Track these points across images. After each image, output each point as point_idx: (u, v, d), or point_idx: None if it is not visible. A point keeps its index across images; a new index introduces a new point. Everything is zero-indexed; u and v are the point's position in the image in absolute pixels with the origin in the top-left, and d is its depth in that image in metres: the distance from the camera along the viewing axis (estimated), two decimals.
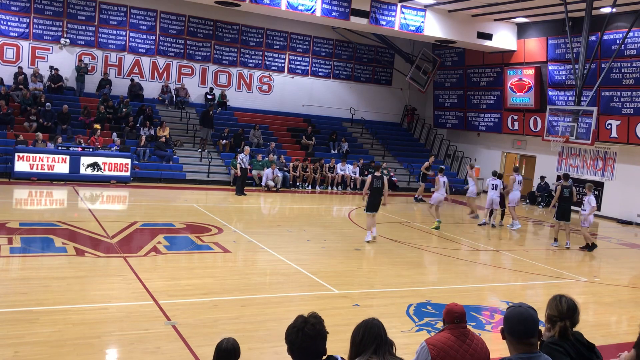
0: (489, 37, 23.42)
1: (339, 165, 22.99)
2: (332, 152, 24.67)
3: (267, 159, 21.61)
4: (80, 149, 18.81)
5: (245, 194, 19.03)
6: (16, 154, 17.77)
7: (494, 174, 17.39)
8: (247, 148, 20.04)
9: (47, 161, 18.17)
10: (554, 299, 3.59)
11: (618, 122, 20.53)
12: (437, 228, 15.49)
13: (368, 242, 12.95)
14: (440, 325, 4.47)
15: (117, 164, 19.08)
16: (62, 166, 18.36)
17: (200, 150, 22.18)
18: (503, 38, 23.86)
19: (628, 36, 19.33)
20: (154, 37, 24.16)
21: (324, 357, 3.17)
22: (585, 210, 14.20)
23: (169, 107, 24.06)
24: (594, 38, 20.02)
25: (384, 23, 21.63)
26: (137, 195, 17.71)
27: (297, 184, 22.27)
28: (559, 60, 22.48)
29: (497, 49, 24.23)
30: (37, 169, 18.02)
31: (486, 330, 7.70)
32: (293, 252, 11.55)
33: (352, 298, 8.69)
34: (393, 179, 23.93)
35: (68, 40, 22.73)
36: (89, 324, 6.80)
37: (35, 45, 22.35)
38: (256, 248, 11.65)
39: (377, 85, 28.70)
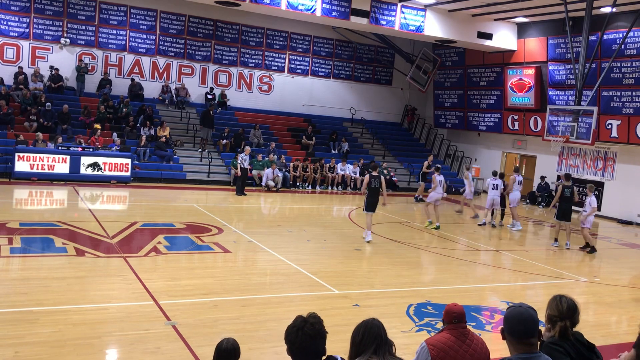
0: (489, 36, 23.42)
1: (339, 165, 22.99)
2: (333, 152, 24.67)
3: (267, 159, 21.61)
4: (80, 149, 18.82)
5: (245, 194, 19.03)
6: (16, 154, 17.77)
7: (494, 173, 17.39)
8: (247, 148, 20.03)
9: (48, 161, 18.17)
10: (554, 299, 3.59)
11: (618, 122, 20.53)
12: (437, 228, 15.49)
13: (368, 241, 12.95)
14: (440, 325, 4.47)
15: (118, 164, 19.09)
16: (62, 166, 18.37)
17: (200, 150, 22.18)
18: (503, 38, 23.86)
19: (628, 36, 19.32)
20: (154, 37, 24.16)
21: (324, 357, 3.17)
22: (586, 211, 14.19)
23: (169, 107, 24.07)
24: (594, 38, 20.02)
25: (384, 23, 21.63)
26: (137, 195, 17.71)
27: (297, 184, 22.27)
28: (559, 60, 22.48)
29: (497, 48, 24.23)
30: (37, 169, 18.02)
31: (486, 331, 7.70)
32: (293, 252, 11.55)
33: (352, 298, 8.69)
34: (393, 179, 23.96)
35: (68, 40, 22.73)
36: (89, 324, 6.81)
37: (35, 45, 22.35)
38: (256, 248, 11.65)
39: (377, 85, 28.70)
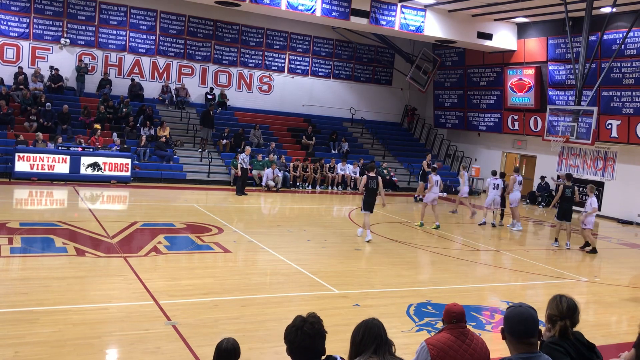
0: (489, 37, 23.43)
1: (339, 165, 22.99)
2: (333, 152, 24.68)
3: (267, 159, 21.61)
4: (80, 149, 18.82)
5: (246, 194, 19.04)
6: (16, 154, 17.78)
7: (494, 173, 17.40)
8: (248, 148, 20.04)
9: (48, 161, 18.17)
10: (554, 298, 3.59)
11: (618, 122, 20.53)
12: (433, 227, 15.52)
13: (368, 241, 12.95)
14: (440, 325, 4.47)
15: (118, 164, 19.09)
16: (62, 166, 18.37)
17: (200, 150, 22.19)
18: (503, 38, 23.87)
19: (628, 36, 19.32)
20: (154, 37, 24.16)
21: (324, 357, 3.17)
22: (587, 211, 14.17)
23: (169, 107, 24.07)
24: (594, 38, 20.02)
25: (384, 23, 21.64)
26: (137, 195, 17.71)
27: (298, 184, 22.27)
28: (559, 60, 22.48)
29: (497, 48, 24.23)
30: (37, 169, 18.02)
31: (486, 330, 7.70)
32: (293, 252, 11.55)
33: (352, 298, 8.69)
34: (393, 179, 23.97)
35: (68, 40, 22.74)
36: (90, 324, 6.81)
37: (35, 45, 22.36)
38: (256, 248, 11.66)
39: (377, 85, 28.71)
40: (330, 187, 22.66)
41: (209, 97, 24.82)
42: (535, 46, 23.53)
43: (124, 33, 23.69)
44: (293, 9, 20.03)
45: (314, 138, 24.75)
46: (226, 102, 25.21)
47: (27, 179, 17.84)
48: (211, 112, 22.55)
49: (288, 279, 9.63)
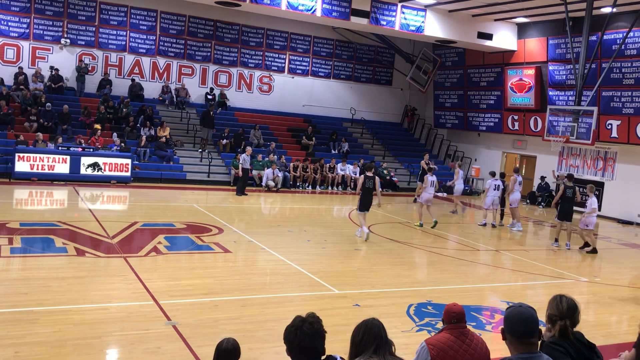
0: (489, 37, 23.42)
1: (339, 166, 23.00)
2: (333, 152, 24.68)
3: (267, 159, 21.61)
4: (80, 149, 18.82)
5: (246, 194, 19.04)
6: (16, 154, 17.78)
7: (493, 174, 17.42)
8: (249, 148, 20.07)
9: (48, 161, 18.17)
10: (554, 298, 3.60)
11: (618, 122, 20.53)
12: (431, 226, 15.55)
13: (366, 239, 13.02)
14: (440, 325, 4.47)
15: (118, 164, 19.09)
16: (62, 166, 18.37)
17: (200, 150, 22.19)
18: (503, 38, 23.86)
19: (628, 36, 19.32)
20: (154, 37, 24.17)
21: (323, 357, 3.17)
22: (587, 211, 14.15)
23: (170, 107, 24.07)
24: (594, 38, 20.02)
25: (384, 23, 21.64)
26: (137, 195, 17.71)
27: (298, 184, 22.27)
28: (560, 60, 22.48)
29: (497, 49, 24.23)
30: (37, 169, 18.03)
31: (486, 330, 7.70)
32: (293, 252, 11.55)
33: (353, 298, 8.69)
34: (393, 179, 23.97)
35: (68, 41, 22.74)
36: (90, 324, 6.81)
37: (35, 45, 22.36)
38: (256, 248, 11.66)
39: (377, 85, 28.71)
40: (330, 188, 22.66)
41: (209, 97, 24.82)
42: (535, 46, 23.53)
43: (124, 33, 23.70)
44: (293, 9, 20.03)
45: (314, 138, 24.75)
46: (226, 102, 25.21)
47: (27, 179, 17.84)
48: (211, 113, 22.56)
49: (288, 279, 9.63)
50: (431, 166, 17.63)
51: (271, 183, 20.81)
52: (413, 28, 22.14)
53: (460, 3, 21.13)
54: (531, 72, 23.46)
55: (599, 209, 19.54)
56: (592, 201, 14.07)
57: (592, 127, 19.51)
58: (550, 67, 22.84)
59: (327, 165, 22.86)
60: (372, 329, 3.35)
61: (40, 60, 22.43)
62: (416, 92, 29.01)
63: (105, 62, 23.54)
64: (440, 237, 14.86)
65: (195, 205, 16.36)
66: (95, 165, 18.79)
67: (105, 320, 6.99)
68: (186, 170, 21.04)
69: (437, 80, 28.43)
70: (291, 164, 22.39)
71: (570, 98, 21.79)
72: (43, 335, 6.38)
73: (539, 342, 3.32)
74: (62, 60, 22.77)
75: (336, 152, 24.72)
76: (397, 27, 21.91)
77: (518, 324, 3.08)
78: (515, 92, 24.25)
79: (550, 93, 22.94)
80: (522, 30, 23.99)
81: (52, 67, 22.29)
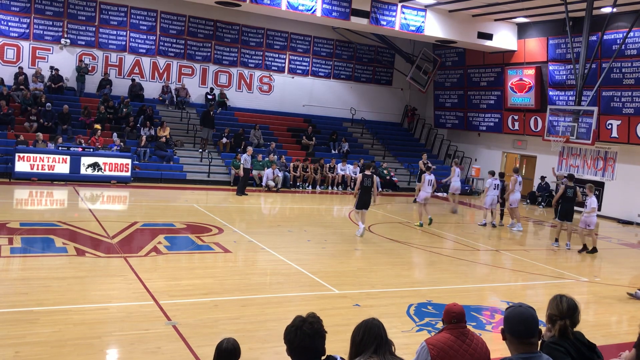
0: (489, 37, 23.42)
1: (339, 166, 23.00)
2: (333, 152, 24.68)
3: (267, 159, 21.61)
4: (80, 149, 18.82)
5: (246, 194, 19.04)
6: (17, 154, 17.78)
7: (492, 173, 17.43)
8: (250, 148, 20.10)
9: (48, 161, 18.17)
10: (554, 298, 3.60)
11: (618, 122, 20.53)
12: (427, 224, 15.64)
13: (360, 234, 13.21)
14: (440, 325, 4.47)
15: (118, 164, 19.09)
16: (62, 166, 18.37)
17: (200, 150, 22.19)
18: (503, 38, 23.86)
19: (628, 36, 19.32)
20: (154, 38, 24.17)
21: (323, 357, 3.17)
22: (586, 211, 14.11)
23: (170, 107, 24.08)
24: (594, 38, 20.02)
25: (385, 23, 21.64)
26: (137, 195, 17.71)
27: (298, 184, 22.27)
28: (560, 60, 22.48)
29: (497, 49, 24.23)
30: (37, 169, 18.03)
31: (486, 330, 7.70)
32: (293, 252, 11.55)
33: (353, 298, 8.69)
34: (394, 179, 23.97)
35: (68, 41, 22.74)
36: (90, 324, 6.81)
37: (35, 45, 22.36)
38: (256, 248, 11.65)
39: (377, 85, 28.71)
40: (330, 187, 22.67)
41: (209, 97, 24.82)
42: (535, 46, 23.53)
43: (124, 33, 23.70)
44: (293, 9, 20.03)
45: (314, 138, 24.75)
46: (226, 102, 25.21)
47: (27, 179, 17.84)
48: (211, 112, 22.56)
49: (288, 279, 9.63)
50: (429, 165, 17.67)
51: (271, 183, 20.81)
52: (413, 28, 22.14)
53: (460, 3, 21.13)
54: (531, 72, 23.46)
55: (599, 209, 19.55)
56: (592, 201, 14.06)
57: (592, 127, 19.51)
58: (551, 67, 22.84)
59: (327, 165, 22.87)
60: (372, 329, 3.35)
61: (40, 60, 22.43)
62: (416, 92, 29.01)
63: (105, 62, 23.54)
64: (440, 237, 14.86)
65: (195, 205, 16.36)
66: (95, 165, 18.79)
67: (105, 320, 6.99)
68: (186, 170, 21.04)
69: (437, 80, 28.43)
70: (291, 164, 22.39)
71: (570, 98, 21.78)
72: (43, 335, 6.38)
73: (539, 342, 3.31)
74: (62, 60, 22.77)
75: (336, 152, 24.72)
76: (397, 27, 21.91)
77: (518, 324, 3.08)
78: (516, 92, 24.25)
79: (551, 93, 22.94)
80: (522, 30, 23.99)
81: (52, 67, 22.29)
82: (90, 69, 23.13)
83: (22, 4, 21.95)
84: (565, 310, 3.50)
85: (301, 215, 17.39)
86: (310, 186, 22.43)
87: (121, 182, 19.04)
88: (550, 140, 20.79)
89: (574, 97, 20.40)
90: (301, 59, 26.94)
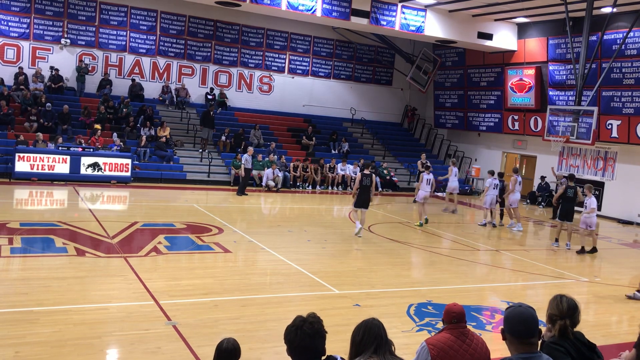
0: (489, 37, 23.42)
1: (339, 166, 23.00)
2: (333, 152, 24.68)
3: (267, 159, 21.62)
4: (80, 149, 18.82)
5: (246, 194, 19.04)
6: (17, 154, 17.78)
7: (492, 173, 17.44)
8: (250, 149, 20.13)
9: (48, 161, 18.17)
10: (554, 298, 3.60)
11: (618, 122, 20.53)
12: (425, 222, 15.71)
13: (356, 234, 13.32)
14: (440, 325, 4.47)
15: (118, 164, 19.09)
16: (62, 166, 18.37)
17: (200, 150, 22.19)
18: (503, 38, 23.86)
19: (629, 36, 19.32)
20: (154, 38, 24.17)
21: (324, 357, 3.17)
22: (586, 212, 14.07)
23: (170, 107, 24.08)
24: (594, 38, 20.02)
25: (385, 23, 21.63)
26: (137, 195, 17.71)
27: (298, 184, 22.27)
28: (560, 60, 22.48)
29: (497, 49, 24.23)
30: (37, 169, 18.03)
31: (487, 330, 7.70)
32: (293, 252, 11.55)
33: (353, 298, 8.69)
34: (394, 179, 23.97)
35: (68, 41, 22.74)
36: (90, 324, 6.81)
37: (35, 45, 22.36)
38: (257, 248, 11.65)
39: (377, 85, 28.71)
40: (330, 187, 22.67)
41: (209, 97, 24.83)
42: (535, 46, 23.53)
43: (125, 33, 23.70)
44: (293, 9, 20.03)
45: (314, 138, 24.75)
46: (226, 102, 25.21)
47: (27, 179, 17.84)
48: (211, 112, 22.56)
49: (288, 279, 9.63)
50: (427, 164, 17.68)
51: (271, 183, 20.81)
52: (413, 28, 22.14)
53: (460, 3, 21.13)
54: (531, 72, 23.46)
55: (599, 209, 19.55)
56: (591, 201, 14.01)
57: (592, 127, 19.51)
58: (551, 67, 22.84)
59: (327, 165, 22.86)
60: (372, 329, 3.35)
61: (40, 61, 22.43)
62: (416, 92, 29.00)
63: (106, 62, 23.54)
64: (440, 237, 14.86)
65: (196, 205, 16.36)
66: (95, 165, 18.79)
67: (105, 320, 6.99)
68: (186, 170, 21.04)
69: (437, 80, 28.43)
70: (291, 164, 22.39)
71: (570, 98, 21.78)
72: (43, 335, 6.38)
73: (539, 342, 3.31)
74: (62, 60, 22.77)
75: (336, 152, 24.72)
76: (397, 27, 21.90)
77: (518, 324, 3.08)
78: (516, 92, 24.25)
79: (551, 93, 22.94)
80: (522, 30, 23.99)
81: (52, 67, 22.29)
82: (90, 69, 23.13)
83: (22, 4, 21.95)
84: (565, 310, 3.50)
85: (301, 215, 17.39)
86: (310, 186, 22.43)
87: (121, 182, 19.04)
88: (550, 140, 20.79)
89: (574, 97, 20.40)
90: (301, 59, 26.94)
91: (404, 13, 21.82)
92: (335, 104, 27.79)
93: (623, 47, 19.64)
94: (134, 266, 9.39)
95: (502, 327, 3.16)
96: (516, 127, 24.80)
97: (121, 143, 20.00)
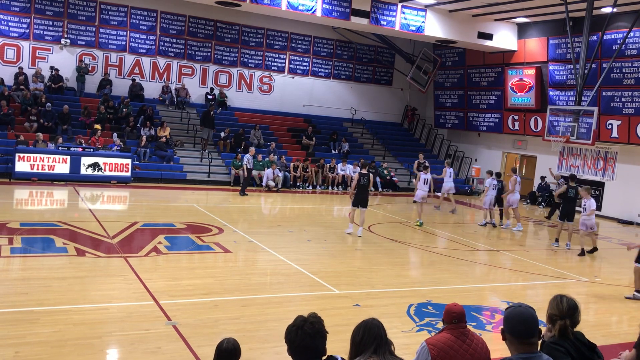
0: (489, 37, 23.42)
1: (339, 166, 23.00)
2: (333, 152, 24.68)
3: (267, 159, 21.62)
4: (80, 149, 18.82)
5: (246, 194, 19.04)
6: (17, 155, 17.78)
7: (491, 173, 17.44)
8: (252, 149, 20.17)
9: (48, 161, 18.17)
10: (554, 298, 3.60)
11: (619, 122, 20.52)
12: (422, 224, 15.65)
13: (348, 230, 13.45)
14: (440, 325, 4.47)
15: (118, 164, 19.09)
16: (62, 166, 18.37)
17: (201, 150, 22.18)
18: (503, 38, 23.86)
19: (629, 36, 19.32)
20: (154, 38, 24.16)
21: (324, 357, 3.17)
22: (586, 213, 14.03)
23: (170, 108, 24.08)
24: (594, 38, 20.02)
25: (385, 23, 21.63)
26: (137, 195, 17.71)
27: (298, 184, 22.27)
28: (560, 60, 22.48)
29: (497, 49, 24.23)
30: (37, 169, 18.03)
31: (487, 330, 7.70)
32: (294, 252, 11.55)
33: (353, 298, 8.69)
34: (394, 179, 23.97)
35: (68, 41, 22.74)
36: (90, 324, 6.81)
37: (35, 45, 22.36)
38: (257, 248, 11.66)
39: (377, 85, 28.70)
40: (330, 187, 22.66)
41: (209, 97, 24.83)
42: (535, 46, 23.53)
43: (125, 33, 23.70)
44: (293, 9, 20.02)
45: (314, 138, 24.75)
46: (226, 102, 25.21)
47: (28, 179, 17.84)
48: (211, 113, 22.56)
49: (288, 279, 9.63)
50: (425, 164, 17.68)
51: (271, 183, 20.81)
52: (413, 28, 22.14)
53: (460, 3, 21.12)
54: (531, 72, 23.45)
55: (599, 209, 19.57)
56: (591, 202, 13.92)
57: (593, 127, 19.51)
58: (551, 67, 22.84)
59: (327, 165, 22.86)
60: (372, 329, 3.36)
61: (40, 61, 22.43)
62: (416, 92, 29.00)
63: (106, 62, 23.54)
64: (440, 237, 14.86)
65: (196, 205, 16.36)
66: (95, 165, 18.79)
67: (105, 320, 6.99)
68: (186, 171, 21.04)
69: (437, 80, 28.43)
70: (291, 164, 22.39)
71: (570, 98, 21.78)
72: (43, 335, 6.39)
73: (539, 342, 3.31)
74: (62, 60, 22.77)
75: (336, 152, 24.72)
76: (397, 27, 21.90)
77: (518, 324, 3.08)
78: (516, 92, 24.25)
79: (551, 93, 22.94)
80: (522, 30, 23.99)
81: (52, 67, 22.29)
82: (90, 69, 23.13)
83: (22, 4, 21.96)
84: (565, 310, 3.50)
85: (301, 215, 17.39)
86: (310, 186, 22.43)
87: (121, 182, 19.04)
88: (550, 140, 20.78)
89: (574, 97, 20.39)
90: (301, 59, 26.94)
91: (404, 13, 21.82)
92: (335, 104, 27.79)
93: (623, 47, 19.63)
94: (134, 266, 9.40)
95: (502, 327, 3.16)
96: (516, 127, 24.80)
97: (121, 143, 20.01)
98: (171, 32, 24.44)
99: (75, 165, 18.50)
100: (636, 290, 10.04)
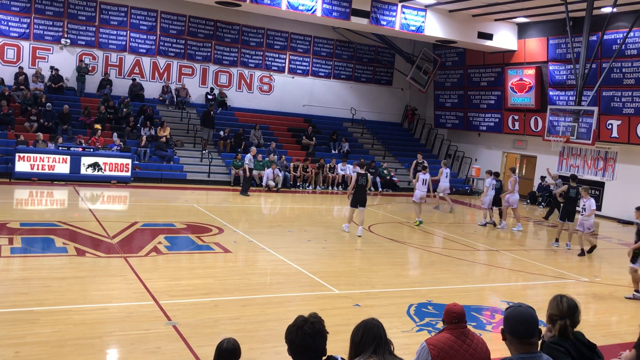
0: (489, 37, 23.42)
1: (339, 166, 23.00)
2: (333, 152, 24.68)
3: (267, 159, 21.62)
4: (80, 149, 18.82)
5: (249, 195, 19.04)
6: (17, 154, 17.78)
7: (490, 173, 17.44)
8: (253, 149, 20.19)
9: (48, 161, 18.17)
10: (554, 298, 3.60)
11: (619, 122, 20.52)
12: (420, 223, 15.67)
13: (344, 228, 13.52)
14: (440, 325, 4.47)
15: (118, 164, 19.09)
16: (62, 166, 18.37)
17: (201, 150, 22.18)
18: (504, 38, 23.86)
19: (629, 36, 19.32)
20: (154, 37, 24.16)
21: (324, 358, 3.17)
22: (586, 214, 14.00)
23: (170, 107, 24.08)
24: (594, 38, 20.01)
25: (385, 23, 21.63)
26: (137, 195, 17.71)
27: (298, 184, 22.27)
28: (560, 60, 22.48)
29: (497, 49, 24.23)
30: (37, 169, 18.03)
31: (487, 330, 7.70)
32: (294, 252, 11.55)
33: (353, 298, 8.69)
34: (394, 179, 23.97)
35: (69, 41, 22.74)
36: (90, 324, 6.81)
37: (35, 45, 22.36)
38: (257, 248, 11.66)
39: (377, 85, 28.70)
40: (330, 187, 22.66)
41: (209, 97, 24.83)
42: (535, 46, 23.53)
43: (125, 33, 23.70)
44: (293, 9, 20.02)
45: (314, 138, 24.75)
46: (226, 102, 25.21)
47: (28, 179, 17.84)
48: (211, 112, 22.56)
49: (288, 279, 9.63)
50: (424, 164, 17.68)
51: (271, 183, 20.81)
52: (413, 28, 22.14)
53: (460, 3, 21.12)
54: (531, 72, 23.45)
55: (599, 209, 19.57)
56: (591, 203, 13.91)
57: (593, 127, 19.50)
58: (551, 67, 22.84)
59: (328, 165, 22.86)
60: (372, 329, 3.36)
61: (40, 60, 22.43)
62: (416, 92, 29.00)
63: (106, 62, 23.54)
64: (440, 237, 14.86)
65: (196, 205, 16.36)
66: (95, 165, 18.79)
67: (105, 320, 6.99)
68: (186, 170, 21.04)
69: (438, 80, 28.43)
70: (291, 164, 22.40)
71: (570, 98, 21.78)
72: (43, 335, 6.39)
73: (539, 342, 3.31)
74: (63, 60, 22.77)
75: (336, 152, 24.72)
76: (397, 27, 21.90)
77: (518, 324, 3.08)
78: (516, 92, 24.25)
79: (551, 93, 22.94)
80: (522, 30, 23.99)
81: (52, 67, 22.29)
82: (90, 69, 23.13)
83: (22, 4, 21.96)
84: (565, 310, 3.50)
85: (301, 215, 17.39)
86: (310, 186, 22.43)
87: (121, 182, 19.04)
88: (550, 140, 20.78)
89: (574, 97, 20.39)
90: (301, 59, 26.94)
91: (404, 13, 21.81)
92: (336, 104, 27.79)
93: (623, 47, 19.63)
94: (134, 266, 9.40)
95: (502, 327, 3.16)
96: (516, 127, 24.80)
97: (121, 143, 20.01)
98: (171, 32, 24.44)
99: (75, 165, 18.51)
100: (636, 290, 10.05)
